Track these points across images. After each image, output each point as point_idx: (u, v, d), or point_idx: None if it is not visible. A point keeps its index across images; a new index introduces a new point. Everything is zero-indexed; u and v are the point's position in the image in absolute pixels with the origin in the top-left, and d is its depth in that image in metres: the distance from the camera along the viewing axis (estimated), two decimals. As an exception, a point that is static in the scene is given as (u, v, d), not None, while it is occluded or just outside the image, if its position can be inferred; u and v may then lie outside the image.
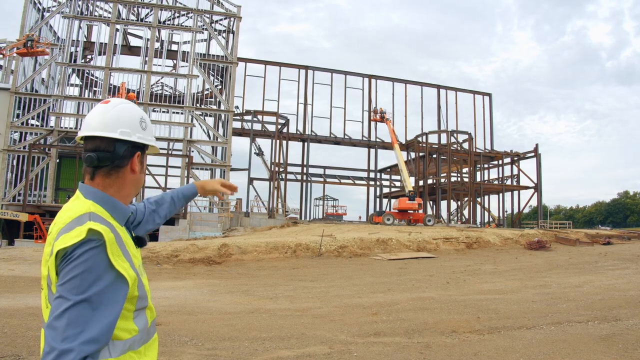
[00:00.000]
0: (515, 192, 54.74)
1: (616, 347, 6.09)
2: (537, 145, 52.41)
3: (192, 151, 40.28)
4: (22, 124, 38.38)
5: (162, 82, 48.41)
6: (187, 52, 41.68)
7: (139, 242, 1.74)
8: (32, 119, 40.08)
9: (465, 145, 51.64)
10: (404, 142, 52.30)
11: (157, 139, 39.88)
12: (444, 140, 51.92)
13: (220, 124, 45.72)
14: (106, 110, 1.66)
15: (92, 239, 1.40)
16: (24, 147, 37.38)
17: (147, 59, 40.45)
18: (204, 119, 44.08)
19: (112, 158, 1.61)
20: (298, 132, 49.73)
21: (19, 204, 34.81)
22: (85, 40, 42.66)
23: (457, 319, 8.06)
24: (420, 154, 50.77)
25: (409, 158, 52.15)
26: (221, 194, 2.41)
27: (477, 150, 53.15)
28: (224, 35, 45.22)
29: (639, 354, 5.81)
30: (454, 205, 57.91)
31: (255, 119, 45.25)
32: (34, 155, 36.66)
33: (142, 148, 1.74)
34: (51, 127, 38.63)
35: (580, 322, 7.69)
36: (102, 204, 1.57)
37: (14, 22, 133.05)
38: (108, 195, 1.61)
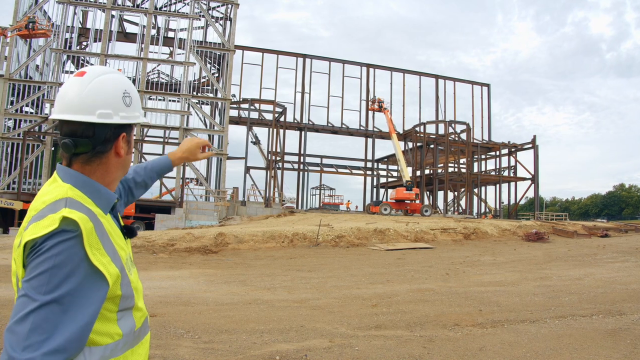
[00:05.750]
0: (512, 184, 54.69)
1: (624, 342, 5.94)
2: (534, 136, 52.30)
3: (189, 139, 39.83)
4: (16, 111, 37.90)
5: (158, 70, 47.87)
6: (184, 39, 41.11)
7: (129, 232, 1.52)
8: (27, 106, 39.56)
9: (463, 136, 51.46)
10: (401, 131, 52.09)
11: (153, 127, 39.53)
12: (441, 131, 51.75)
13: (217, 112, 45.32)
14: (81, 85, 1.39)
15: (66, 229, 1.19)
16: (18, 135, 36.93)
17: (143, 46, 39.91)
18: (201, 107, 43.67)
19: (93, 144, 1.37)
20: (295, 121, 49.43)
21: (14, 192, 34.45)
22: (80, 26, 42.03)
23: (458, 311, 7.91)
24: (418, 144, 50.60)
25: (407, 148, 51.97)
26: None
27: (475, 141, 52.96)
28: (221, 22, 44.67)
29: (647, 349, 5.67)
30: (450, 195, 57.87)
31: (252, 107, 44.88)
32: (28, 142, 36.18)
33: (128, 126, 1.49)
34: (46, 114, 38.18)
35: (584, 315, 7.55)
36: (82, 188, 1.35)
37: (6, 6, 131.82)
38: (91, 179, 1.38)
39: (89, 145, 1.37)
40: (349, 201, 56.16)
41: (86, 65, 42.03)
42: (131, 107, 1.48)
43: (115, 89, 1.44)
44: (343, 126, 51.48)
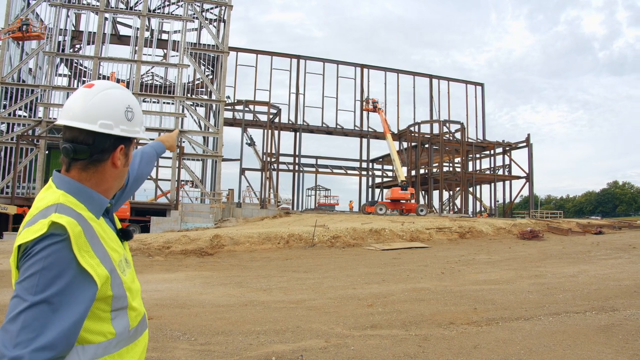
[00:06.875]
0: (507, 182, 54.94)
1: (616, 338, 6.01)
2: (528, 135, 52.62)
3: (183, 142, 39.86)
4: (10, 114, 37.73)
5: (152, 72, 47.84)
6: (178, 41, 41.05)
7: (124, 234, 1.61)
8: (20, 109, 39.43)
9: (458, 135, 51.64)
10: (396, 131, 52.19)
11: (148, 129, 39.42)
12: (436, 130, 51.92)
13: (212, 114, 45.29)
14: (88, 96, 1.50)
15: (54, 233, 1.27)
16: (12, 139, 36.74)
17: (137, 48, 39.79)
18: (195, 109, 43.62)
19: (91, 151, 1.46)
20: (290, 122, 49.44)
21: (8, 196, 34.27)
22: (73, 29, 41.89)
23: (453, 310, 7.96)
24: (413, 143, 50.72)
25: (401, 148, 52.08)
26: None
27: (469, 140, 53.15)
28: (215, 24, 44.64)
29: (639, 344, 5.74)
30: (446, 195, 58.03)
31: (246, 109, 44.84)
32: (22, 146, 36.03)
33: (127, 140, 1.57)
34: (39, 118, 37.98)
35: (577, 312, 7.63)
36: (75, 194, 1.43)
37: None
38: (84, 186, 1.46)
39: (87, 152, 1.45)
40: (351, 201, 55.99)
41: (80, 68, 42.00)
42: (132, 122, 1.57)
43: (119, 103, 1.54)
44: (338, 127, 51.55)
